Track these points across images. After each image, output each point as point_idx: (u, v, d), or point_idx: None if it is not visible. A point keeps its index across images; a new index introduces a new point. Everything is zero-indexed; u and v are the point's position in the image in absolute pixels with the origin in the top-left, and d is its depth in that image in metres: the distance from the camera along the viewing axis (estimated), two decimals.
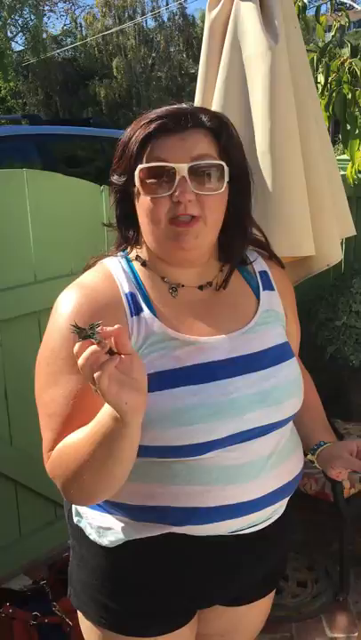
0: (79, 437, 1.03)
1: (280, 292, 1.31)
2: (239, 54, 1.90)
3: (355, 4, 2.95)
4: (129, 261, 1.22)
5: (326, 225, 1.97)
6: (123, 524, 1.17)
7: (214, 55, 1.96)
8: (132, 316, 1.14)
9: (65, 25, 27.31)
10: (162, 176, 1.10)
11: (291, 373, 1.22)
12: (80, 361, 0.88)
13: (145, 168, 1.11)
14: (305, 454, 1.34)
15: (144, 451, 1.07)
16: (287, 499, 1.27)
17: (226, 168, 1.13)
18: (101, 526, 1.20)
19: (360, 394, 3.06)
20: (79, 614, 1.31)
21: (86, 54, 25.36)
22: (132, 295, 1.16)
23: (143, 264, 1.21)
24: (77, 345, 0.90)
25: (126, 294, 1.16)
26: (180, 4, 25.36)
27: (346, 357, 2.95)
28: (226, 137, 1.16)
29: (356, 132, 2.54)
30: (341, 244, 2.31)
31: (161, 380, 1.08)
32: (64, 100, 24.35)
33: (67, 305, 1.13)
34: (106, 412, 0.95)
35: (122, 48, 24.48)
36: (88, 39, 25.15)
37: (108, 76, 24.04)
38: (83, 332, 0.90)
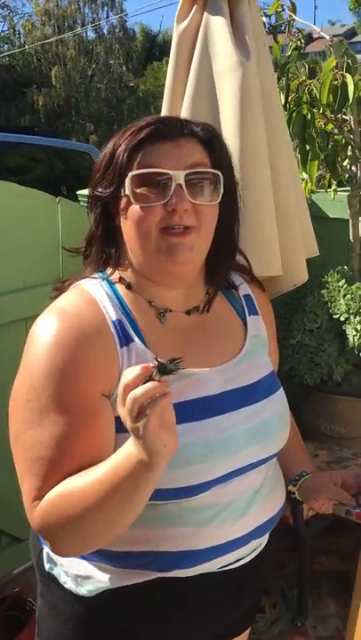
0: (86, 484, 0.93)
1: (263, 317, 1.27)
2: (209, 68, 1.86)
3: (315, 28, 2.97)
4: (111, 284, 1.13)
5: (293, 245, 1.95)
6: (104, 572, 1.08)
7: (182, 68, 1.91)
8: (121, 346, 1.06)
9: (2, 31, 26.83)
10: (155, 184, 1.03)
11: (280, 406, 1.17)
12: (137, 396, 0.82)
13: (137, 175, 1.04)
14: (285, 485, 1.28)
15: None
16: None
17: (222, 178, 1.07)
18: (79, 575, 1.10)
19: (314, 413, 3.05)
20: None
21: (24, 62, 24.95)
22: (120, 323, 1.07)
23: (128, 287, 1.12)
24: (130, 377, 0.83)
25: (114, 322, 1.07)
26: (121, 17, 25.41)
27: (301, 376, 2.94)
28: (218, 148, 1.11)
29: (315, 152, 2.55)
30: None
31: None
32: (0, 106, 23.83)
33: (48, 334, 1.03)
34: (131, 456, 0.87)
35: (61, 57, 24.24)
36: (27, 47, 24.76)
37: (46, 85, 23.74)
38: (164, 368, 0.84)
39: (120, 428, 1.02)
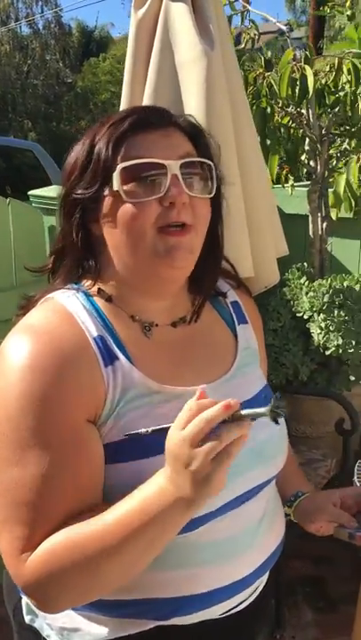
0: (103, 527, 0.82)
1: (252, 324, 1.17)
2: (171, 58, 1.75)
3: (271, 18, 2.89)
4: (88, 296, 1.00)
5: (264, 245, 1.87)
6: (94, 623, 0.96)
7: (142, 58, 1.79)
8: (106, 365, 0.93)
9: None
10: (148, 177, 0.91)
11: (282, 424, 1.07)
12: (223, 439, 0.75)
13: (127, 167, 0.91)
14: None
15: None
16: None
17: (214, 170, 0.97)
18: (65, 627, 0.97)
19: None
20: None
21: None
22: (102, 339, 0.94)
23: (108, 300, 0.99)
24: (212, 415, 0.75)
25: (95, 338, 0.94)
26: (56, 12, 24.90)
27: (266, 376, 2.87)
28: (204, 139, 1.00)
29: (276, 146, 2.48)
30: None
31: (147, 446, 0.88)
32: None
33: (20, 357, 0.89)
34: (166, 493, 0.79)
35: None
36: None
37: None
38: (275, 413, 0.78)
39: (110, 458, 0.90)
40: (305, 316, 2.88)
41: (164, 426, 0.83)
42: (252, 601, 1.05)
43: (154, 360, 0.98)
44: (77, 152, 0.97)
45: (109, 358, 0.93)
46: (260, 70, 2.61)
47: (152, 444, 0.86)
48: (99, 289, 1.00)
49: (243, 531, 0.99)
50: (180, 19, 1.70)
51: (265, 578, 1.08)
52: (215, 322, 1.11)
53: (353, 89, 2.43)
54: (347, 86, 2.46)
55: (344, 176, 2.28)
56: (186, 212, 0.93)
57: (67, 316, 0.95)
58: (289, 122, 2.62)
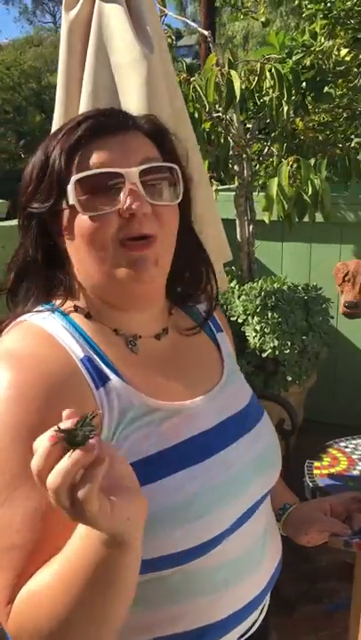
0: (53, 576, 0.71)
1: (226, 332, 1.13)
2: (107, 61, 1.68)
3: (192, 23, 2.88)
4: (65, 316, 0.91)
5: (211, 252, 1.83)
6: None
7: (76, 61, 1.71)
8: (97, 388, 0.85)
9: None
10: (105, 188, 0.84)
11: (272, 429, 1.04)
12: (54, 480, 0.60)
13: (82, 179, 0.84)
14: None
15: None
16: None
17: (180, 173, 0.91)
18: None
19: None
20: None
21: None
22: (89, 360, 0.86)
23: (87, 316, 0.92)
24: (37, 461, 0.61)
25: (82, 360, 0.85)
26: None
27: None
28: (169, 140, 0.94)
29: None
30: None
31: (154, 468, 0.81)
32: None
33: (3, 387, 0.79)
34: (92, 539, 0.67)
35: None
36: None
37: None
38: (74, 436, 0.60)
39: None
40: (239, 320, 2.89)
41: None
42: (261, 622, 1.01)
43: (146, 376, 0.91)
44: (33, 163, 0.88)
45: (100, 379, 0.86)
46: (184, 75, 2.60)
47: (143, 473, 0.79)
48: (75, 306, 0.91)
49: (250, 548, 0.94)
50: (116, 20, 1.64)
51: (268, 596, 1.04)
52: (190, 325, 1.06)
53: (277, 94, 2.46)
54: (271, 91, 2.49)
55: (276, 179, 2.30)
56: (149, 222, 0.86)
57: (47, 338, 0.86)
58: (215, 127, 2.63)
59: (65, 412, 0.63)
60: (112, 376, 0.86)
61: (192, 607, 0.88)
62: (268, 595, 1.02)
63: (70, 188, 0.84)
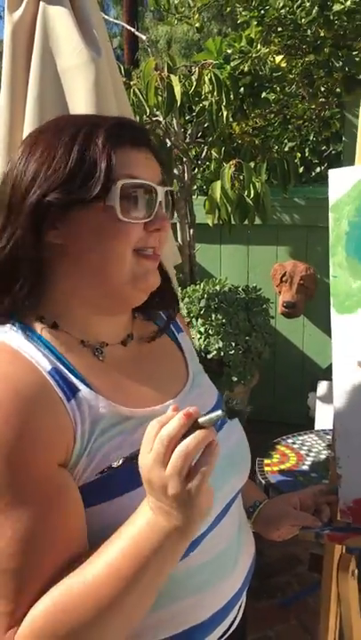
0: (97, 578, 0.73)
1: (185, 332, 1.14)
2: (53, 64, 1.65)
3: (130, 28, 2.87)
4: (26, 327, 0.88)
5: (163, 256, 1.84)
6: None
7: (20, 64, 1.68)
8: (69, 400, 0.83)
9: None
10: (137, 198, 0.85)
11: (240, 426, 1.05)
12: (190, 451, 0.70)
13: (128, 185, 0.84)
14: None
15: None
16: None
17: (175, 196, 0.93)
18: None
19: None
20: None
21: None
22: (58, 372, 0.84)
23: (53, 326, 0.89)
24: (173, 429, 0.71)
25: (50, 373, 0.83)
26: None
27: None
28: (164, 167, 0.96)
29: None
30: None
31: (130, 476, 0.81)
32: None
33: None
34: (156, 526, 0.72)
35: None
36: None
37: None
38: (232, 412, 0.74)
39: (88, 501, 0.81)
40: None
41: (134, 452, 0.77)
42: (240, 619, 1.02)
43: (115, 384, 0.91)
44: (61, 151, 0.85)
45: (70, 391, 0.84)
46: (124, 79, 2.59)
47: (129, 477, 0.80)
48: (38, 316, 0.89)
49: (227, 546, 0.96)
50: (61, 23, 1.62)
51: (245, 594, 1.06)
52: (153, 332, 1.07)
53: (216, 98, 2.50)
54: (209, 96, 2.52)
55: (219, 183, 2.33)
56: (157, 236, 0.90)
57: (12, 353, 0.84)
58: (155, 130, 2.64)
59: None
60: (81, 386, 0.85)
61: (178, 610, 0.88)
62: (245, 592, 1.03)
63: (115, 189, 0.83)
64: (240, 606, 1.02)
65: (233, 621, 0.99)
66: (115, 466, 0.79)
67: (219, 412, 0.71)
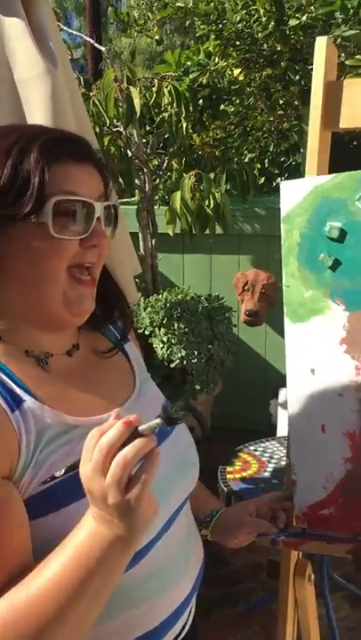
0: (39, 591, 0.73)
1: (133, 341, 1.14)
2: (9, 76, 1.65)
3: (87, 38, 2.88)
4: None
5: (122, 266, 1.85)
6: None
7: None
8: (12, 411, 0.83)
9: None
10: (72, 214, 0.85)
11: (187, 432, 1.06)
12: (129, 460, 0.70)
13: (62, 201, 0.83)
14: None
15: None
16: None
17: (117, 211, 0.94)
18: None
19: None
20: None
21: None
22: (1, 383, 0.85)
23: None
24: (112, 438, 0.70)
25: None
26: None
27: None
28: (109, 181, 0.96)
29: None
30: None
31: (77, 486, 0.81)
32: None
33: None
34: (98, 536, 0.72)
35: None
36: None
37: None
38: (170, 419, 0.73)
39: (33, 513, 0.81)
40: (146, 332, 2.92)
41: (76, 461, 0.77)
42: (190, 625, 1.03)
43: (61, 394, 0.91)
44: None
45: (14, 402, 0.84)
46: (83, 90, 2.60)
47: (74, 486, 0.80)
48: None
49: (176, 553, 0.96)
50: (17, 34, 1.62)
51: (195, 598, 1.07)
52: (103, 344, 1.07)
53: (176, 110, 2.53)
54: (169, 107, 2.55)
55: (179, 193, 2.35)
56: (93, 252, 0.89)
57: None
58: (115, 141, 2.65)
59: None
60: (26, 397, 0.85)
61: (127, 619, 0.88)
62: (195, 596, 1.04)
63: (49, 206, 0.82)
64: (190, 612, 1.03)
65: (183, 627, 1.00)
66: (57, 475, 0.80)
67: (158, 420, 0.72)
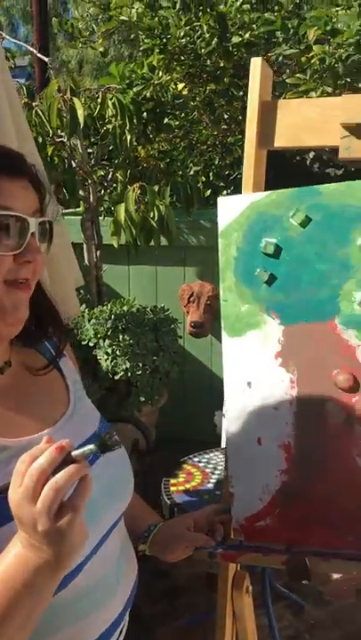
0: None
1: (69, 358, 1.13)
2: None
3: (29, 47, 2.86)
4: None
5: (63, 278, 1.83)
6: None
7: None
8: None
9: None
10: (8, 230, 0.84)
11: (122, 454, 1.06)
12: (60, 486, 0.69)
13: None
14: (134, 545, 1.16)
15: None
16: None
17: (52, 227, 0.93)
18: None
19: None
20: None
21: None
22: None
23: None
24: (43, 464, 0.69)
25: None
26: None
27: None
28: (44, 196, 0.95)
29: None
30: None
31: (5, 508, 0.79)
32: None
33: None
34: (26, 561, 0.71)
35: None
36: None
37: None
38: (104, 446, 0.72)
39: None
40: (90, 344, 2.89)
41: (4, 484, 0.76)
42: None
43: None
44: None
45: None
46: (26, 99, 2.58)
47: (2, 510, 0.78)
48: None
49: (106, 573, 0.95)
50: None
51: (127, 615, 1.06)
52: (37, 360, 1.06)
53: (120, 122, 2.53)
54: (113, 119, 2.55)
55: (123, 205, 2.35)
56: (28, 267, 0.89)
57: None
58: (59, 151, 2.63)
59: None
60: None
61: (62, 638, 0.87)
62: (127, 614, 1.04)
63: None
64: (122, 629, 1.02)
65: None
66: None
67: (91, 447, 0.71)
